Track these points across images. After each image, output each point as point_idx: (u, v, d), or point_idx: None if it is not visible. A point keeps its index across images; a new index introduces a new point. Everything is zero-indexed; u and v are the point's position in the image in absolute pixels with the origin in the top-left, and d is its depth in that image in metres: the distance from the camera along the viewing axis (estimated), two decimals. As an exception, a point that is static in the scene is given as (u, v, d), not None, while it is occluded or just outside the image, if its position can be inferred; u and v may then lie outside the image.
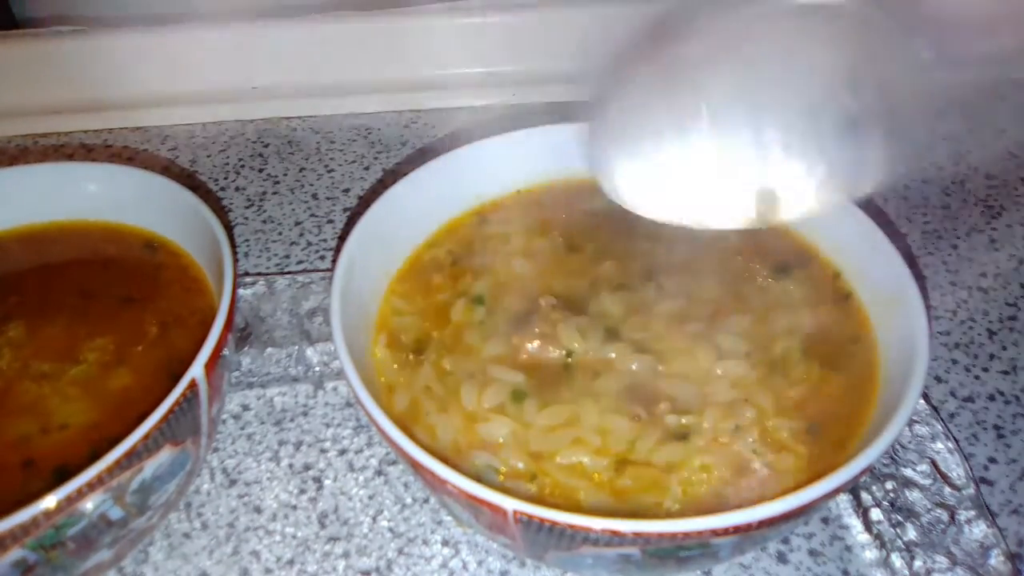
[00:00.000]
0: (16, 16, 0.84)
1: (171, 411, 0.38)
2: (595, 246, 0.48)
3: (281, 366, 0.52)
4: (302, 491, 0.47)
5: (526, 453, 0.40)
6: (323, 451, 0.49)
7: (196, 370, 0.39)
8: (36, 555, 0.36)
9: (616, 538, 0.33)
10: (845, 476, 0.34)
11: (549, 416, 0.41)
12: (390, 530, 0.46)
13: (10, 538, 0.34)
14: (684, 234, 0.48)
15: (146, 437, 0.37)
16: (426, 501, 0.47)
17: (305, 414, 0.51)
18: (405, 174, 0.49)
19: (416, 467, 0.36)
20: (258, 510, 0.47)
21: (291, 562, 0.45)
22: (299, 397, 0.52)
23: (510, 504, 0.33)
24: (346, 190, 0.68)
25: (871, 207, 0.47)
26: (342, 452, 0.49)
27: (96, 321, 0.46)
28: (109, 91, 0.73)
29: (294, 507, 0.47)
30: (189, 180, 0.69)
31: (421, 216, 0.49)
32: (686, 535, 0.32)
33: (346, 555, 0.45)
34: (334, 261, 0.44)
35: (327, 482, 0.48)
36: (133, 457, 0.37)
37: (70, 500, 0.35)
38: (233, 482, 0.48)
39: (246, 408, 0.51)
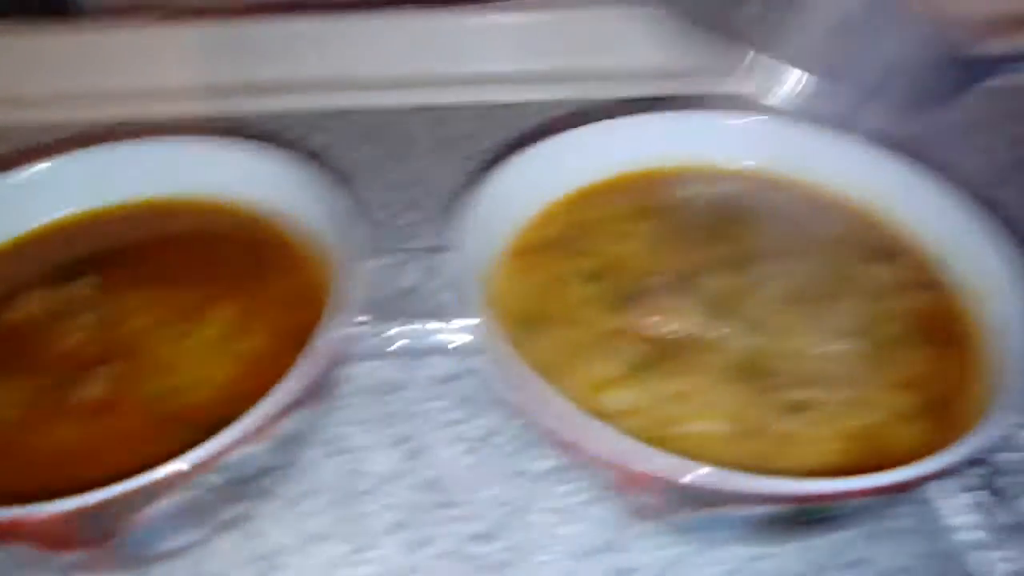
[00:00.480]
0: (79, 4, 0.86)
1: (300, 376, 0.40)
2: (700, 229, 0.50)
3: (382, 340, 0.54)
4: (408, 458, 0.49)
5: (646, 423, 0.41)
6: (427, 422, 0.51)
7: (323, 337, 0.41)
8: (177, 507, 0.38)
9: (752, 497, 0.34)
10: (969, 448, 0.35)
11: (667, 387, 0.42)
12: (498, 498, 0.47)
13: (154, 491, 0.36)
14: (786, 220, 0.50)
15: (280, 400, 0.39)
16: (535, 470, 0.48)
17: (408, 387, 0.53)
18: (497, 162, 0.50)
19: (554, 433, 0.37)
20: (367, 476, 0.48)
21: (402, 525, 0.46)
22: (400, 371, 0.54)
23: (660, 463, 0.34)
24: (432, 177, 0.69)
25: (978, 198, 0.48)
26: (445, 424, 0.51)
27: (220, 290, 0.48)
28: (203, 77, 0.75)
29: (402, 474, 0.48)
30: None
31: (529, 197, 0.51)
32: (837, 495, 0.34)
33: (456, 520, 0.46)
34: (438, 240, 0.46)
35: (432, 451, 0.50)
36: (268, 419, 0.39)
37: (210, 457, 0.37)
38: (341, 451, 0.50)
39: (351, 379, 0.53)
